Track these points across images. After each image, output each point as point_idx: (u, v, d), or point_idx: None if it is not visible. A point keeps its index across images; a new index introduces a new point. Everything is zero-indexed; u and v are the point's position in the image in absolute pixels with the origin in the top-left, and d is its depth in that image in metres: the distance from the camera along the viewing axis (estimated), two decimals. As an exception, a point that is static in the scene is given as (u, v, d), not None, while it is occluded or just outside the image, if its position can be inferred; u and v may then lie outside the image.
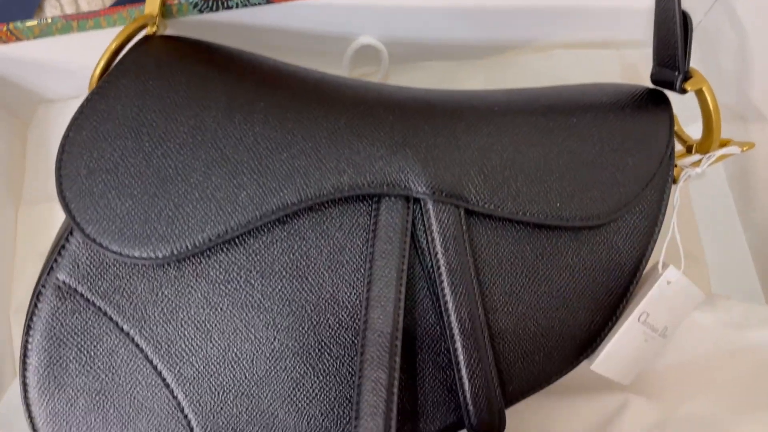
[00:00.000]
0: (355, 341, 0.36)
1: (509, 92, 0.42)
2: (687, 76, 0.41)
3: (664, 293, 0.38)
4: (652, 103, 0.42)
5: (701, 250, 0.45)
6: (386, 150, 0.36)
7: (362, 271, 0.36)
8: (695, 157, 0.43)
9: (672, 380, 0.41)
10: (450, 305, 0.36)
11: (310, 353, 0.36)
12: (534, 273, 0.38)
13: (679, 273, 0.38)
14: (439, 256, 0.36)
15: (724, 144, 0.43)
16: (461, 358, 0.36)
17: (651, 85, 0.43)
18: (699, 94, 0.41)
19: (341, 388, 0.36)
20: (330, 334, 0.36)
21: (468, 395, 0.37)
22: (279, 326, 0.36)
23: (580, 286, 0.38)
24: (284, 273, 0.36)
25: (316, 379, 0.36)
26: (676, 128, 0.44)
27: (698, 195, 0.48)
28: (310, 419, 0.36)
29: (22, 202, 0.46)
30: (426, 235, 0.36)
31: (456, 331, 0.36)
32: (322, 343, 0.36)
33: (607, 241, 0.39)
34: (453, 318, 0.36)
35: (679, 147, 0.44)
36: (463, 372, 0.37)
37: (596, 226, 0.38)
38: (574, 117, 0.39)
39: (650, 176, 0.39)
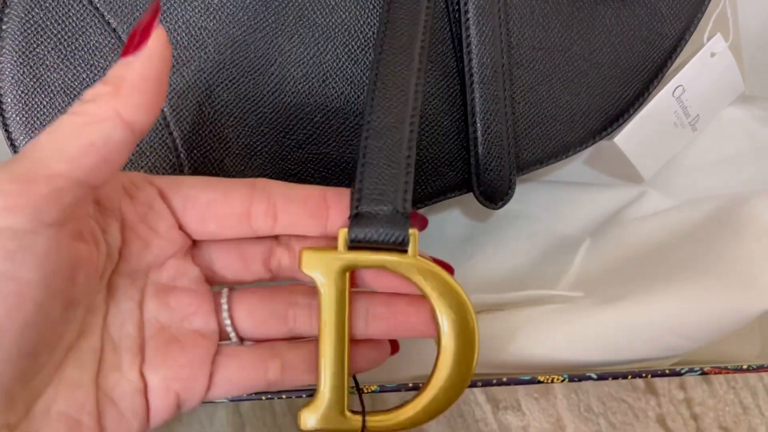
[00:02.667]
0: (364, 78, 0.33)
1: None
2: None
3: (705, 67, 0.35)
4: None
5: (740, 55, 0.42)
6: None
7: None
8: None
9: (696, 179, 0.38)
10: (473, 47, 0.33)
11: (313, 84, 0.33)
12: (567, 29, 0.34)
13: (725, 45, 0.34)
14: (468, -10, 0.32)
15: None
16: (478, 108, 0.33)
17: None
18: None
19: (347, 124, 0.33)
20: (336, 66, 0.33)
21: (480, 152, 0.34)
22: (281, 48, 0.32)
23: (614, 52, 0.35)
24: (294, -13, 0.32)
25: (318, 113, 0.33)
26: None
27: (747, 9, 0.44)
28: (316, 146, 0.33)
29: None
30: None
31: (476, 78, 0.33)
32: (328, 74, 0.33)
33: (651, 5, 0.35)
34: (474, 63, 0.33)
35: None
36: (478, 125, 0.33)
37: (640, -15, 0.35)
38: None
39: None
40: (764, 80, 0.40)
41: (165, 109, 0.32)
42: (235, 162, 0.32)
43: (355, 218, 0.25)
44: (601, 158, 0.39)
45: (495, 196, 0.34)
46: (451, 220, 0.40)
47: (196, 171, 0.32)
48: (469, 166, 0.34)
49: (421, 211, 0.38)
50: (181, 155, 0.32)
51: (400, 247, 0.25)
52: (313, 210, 0.26)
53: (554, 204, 0.39)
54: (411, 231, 0.25)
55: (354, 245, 0.25)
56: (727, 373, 0.27)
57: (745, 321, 0.26)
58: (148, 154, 0.32)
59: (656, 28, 0.35)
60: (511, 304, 0.31)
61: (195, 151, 0.32)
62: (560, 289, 0.33)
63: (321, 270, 0.25)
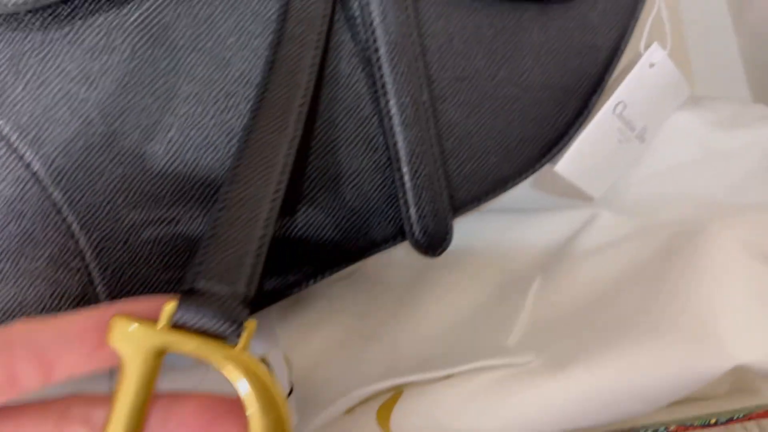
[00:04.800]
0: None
1: None
2: None
3: (645, 79, 0.32)
4: None
5: (686, 53, 0.39)
6: None
7: (274, 36, 0.29)
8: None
9: (649, 191, 0.35)
10: (389, 87, 0.30)
11: (217, 146, 0.29)
12: (492, 54, 0.31)
13: (664, 54, 0.31)
14: (376, 24, 0.29)
15: None
16: (402, 153, 0.30)
17: None
18: None
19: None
20: (241, 122, 0.29)
21: (410, 200, 0.31)
22: (176, 112, 0.29)
23: (546, 72, 0.32)
24: (182, 42, 0.29)
25: (222, 168, 0.30)
26: None
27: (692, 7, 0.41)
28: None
29: None
30: None
31: (396, 120, 0.30)
32: (232, 133, 0.29)
33: (581, 17, 0.32)
34: (393, 104, 0.30)
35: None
36: (404, 170, 0.31)
37: (568, -3, 0.32)
38: None
39: (635, -63, 0.32)
40: (714, 79, 0.37)
41: (55, 194, 0.28)
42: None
43: (187, 294, 0.22)
44: (547, 181, 0.36)
45: (432, 243, 0.32)
46: (391, 265, 0.37)
47: (100, 254, 0.29)
48: (400, 214, 0.31)
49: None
50: (80, 241, 0.29)
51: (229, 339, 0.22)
52: (91, 346, 0.21)
53: (502, 236, 0.36)
54: (247, 323, 0.22)
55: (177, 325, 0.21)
56: (694, 429, 0.25)
57: (709, 380, 0.24)
58: (42, 243, 0.29)
59: (589, 40, 0.32)
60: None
61: (95, 234, 0.29)
62: (512, 340, 0.30)
63: (130, 345, 0.21)
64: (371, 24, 0.29)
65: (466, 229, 0.35)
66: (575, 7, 0.32)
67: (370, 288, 0.36)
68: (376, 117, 0.31)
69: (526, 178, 0.33)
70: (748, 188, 0.32)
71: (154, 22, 0.28)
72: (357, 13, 0.29)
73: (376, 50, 0.29)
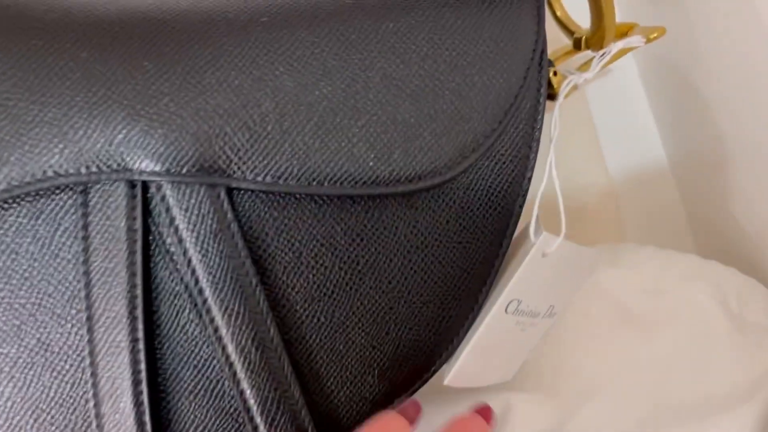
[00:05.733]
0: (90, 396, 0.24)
1: None
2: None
3: (540, 270, 0.26)
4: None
5: (608, 179, 0.34)
6: (79, 109, 0.23)
7: (80, 299, 0.24)
8: (585, 54, 0.30)
9: (567, 370, 0.30)
10: (223, 333, 0.24)
11: (22, 429, 0.24)
12: (351, 264, 0.26)
13: (557, 240, 0.26)
14: (195, 263, 0.24)
15: (624, 32, 0.30)
16: (252, 402, 0.25)
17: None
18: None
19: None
20: (47, 396, 0.24)
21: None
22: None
23: (420, 272, 0.27)
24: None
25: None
26: (558, 13, 0.31)
27: (600, 102, 0.36)
28: None
29: None
30: (171, 235, 0.24)
31: (238, 368, 0.25)
32: (40, 410, 0.24)
33: (455, 202, 0.27)
34: (231, 350, 0.25)
35: (566, 41, 0.31)
36: (258, 421, 0.25)
37: (435, 186, 0.26)
38: (389, 21, 0.26)
39: (511, 98, 0.26)
40: (643, 215, 0.32)
41: None
42: None
43: None
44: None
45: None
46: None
47: None
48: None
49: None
50: None
51: None
52: None
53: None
54: None
55: None
56: None
57: None
58: None
59: (469, 227, 0.27)
60: None
61: None
62: None
63: None
64: (190, 262, 0.24)
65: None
66: (446, 194, 0.26)
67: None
68: (215, 361, 0.25)
69: (414, 392, 0.28)
70: (672, 371, 0.27)
71: None
72: (172, 249, 0.24)
73: (200, 292, 0.24)
